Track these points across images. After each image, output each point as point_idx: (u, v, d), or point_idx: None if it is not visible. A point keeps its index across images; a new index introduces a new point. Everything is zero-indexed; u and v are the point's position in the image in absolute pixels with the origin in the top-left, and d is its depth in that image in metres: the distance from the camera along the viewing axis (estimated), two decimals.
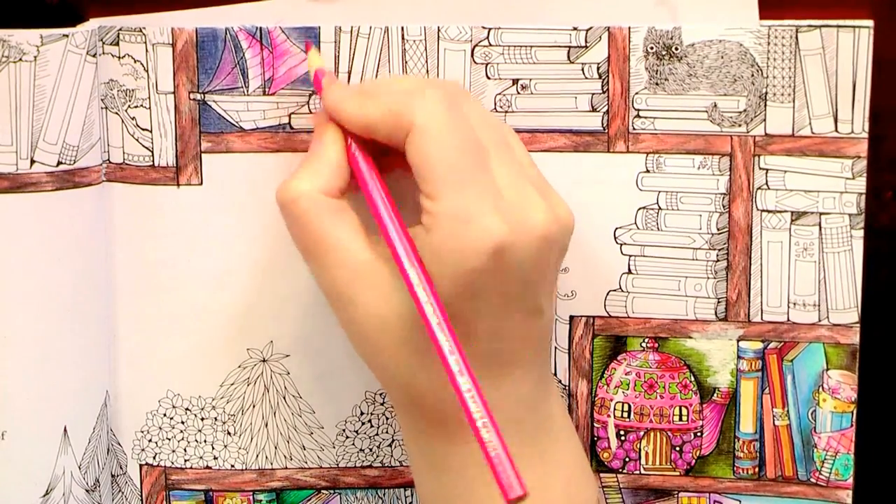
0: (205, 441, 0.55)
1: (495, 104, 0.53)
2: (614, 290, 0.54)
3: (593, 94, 0.53)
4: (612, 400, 0.55)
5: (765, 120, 0.53)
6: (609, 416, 0.55)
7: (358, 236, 0.46)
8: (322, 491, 0.56)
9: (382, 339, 0.46)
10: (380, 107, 0.46)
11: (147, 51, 0.52)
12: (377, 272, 0.45)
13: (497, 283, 0.44)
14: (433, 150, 0.44)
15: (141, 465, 0.55)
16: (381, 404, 0.55)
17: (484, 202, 0.43)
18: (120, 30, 0.52)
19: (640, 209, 0.54)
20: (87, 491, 0.54)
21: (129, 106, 0.53)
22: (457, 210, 0.43)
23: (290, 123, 0.53)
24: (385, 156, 0.47)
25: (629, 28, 0.52)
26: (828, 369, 0.54)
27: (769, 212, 0.53)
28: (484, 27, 0.52)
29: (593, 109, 0.53)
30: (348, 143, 0.47)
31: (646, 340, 0.55)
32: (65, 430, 0.53)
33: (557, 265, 0.47)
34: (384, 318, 0.45)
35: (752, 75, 0.52)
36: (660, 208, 0.53)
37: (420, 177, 0.44)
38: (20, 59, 0.51)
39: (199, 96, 0.53)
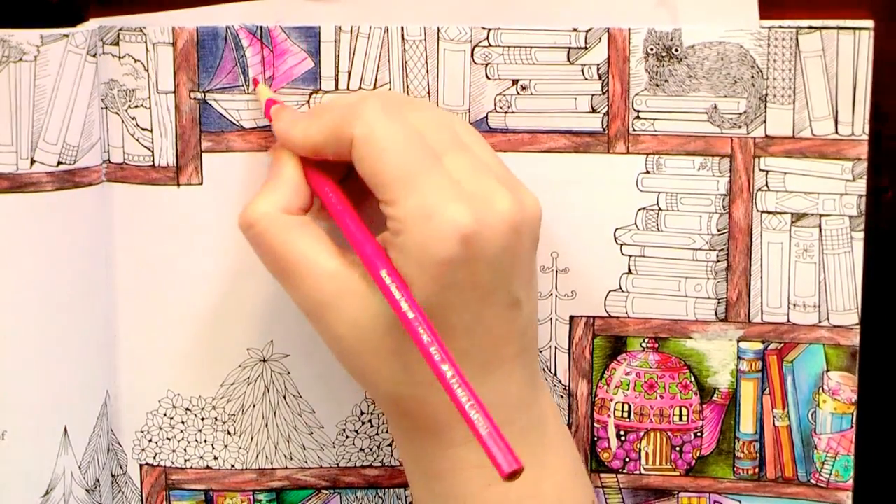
0: (205, 441, 0.55)
1: (495, 105, 0.53)
2: (614, 291, 0.54)
3: (593, 95, 0.53)
4: (612, 400, 0.55)
5: (765, 121, 0.52)
6: (609, 416, 0.55)
7: (324, 247, 0.46)
8: (322, 491, 0.56)
9: (360, 345, 0.46)
10: (322, 127, 0.46)
11: (147, 50, 0.52)
12: (348, 279, 0.45)
13: (469, 275, 0.44)
14: (376, 157, 0.44)
15: (141, 465, 0.55)
16: None
17: (442, 195, 0.43)
18: (120, 30, 0.52)
19: (640, 210, 0.53)
20: (87, 491, 0.54)
21: (129, 106, 0.53)
22: (417, 208, 0.43)
23: None
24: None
25: (629, 29, 0.52)
26: (828, 370, 0.54)
27: (769, 213, 0.53)
28: (484, 28, 0.52)
29: (593, 110, 0.53)
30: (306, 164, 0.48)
31: (646, 341, 0.55)
32: (65, 430, 0.53)
33: (531, 255, 0.47)
34: (359, 324, 0.45)
35: (753, 77, 0.52)
36: (660, 209, 0.53)
37: (374, 187, 0.45)
38: (20, 59, 0.51)
39: (199, 95, 0.53)
